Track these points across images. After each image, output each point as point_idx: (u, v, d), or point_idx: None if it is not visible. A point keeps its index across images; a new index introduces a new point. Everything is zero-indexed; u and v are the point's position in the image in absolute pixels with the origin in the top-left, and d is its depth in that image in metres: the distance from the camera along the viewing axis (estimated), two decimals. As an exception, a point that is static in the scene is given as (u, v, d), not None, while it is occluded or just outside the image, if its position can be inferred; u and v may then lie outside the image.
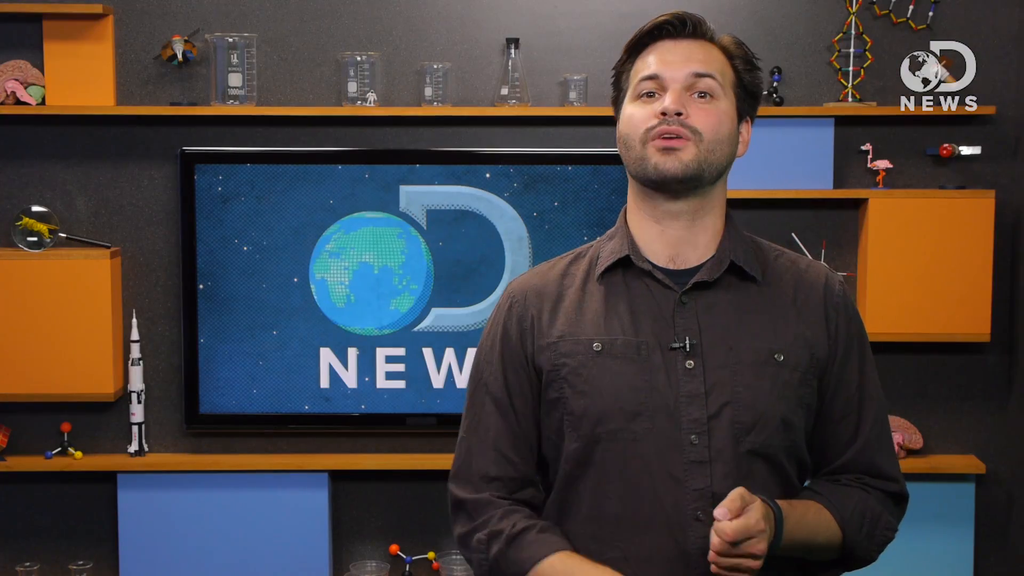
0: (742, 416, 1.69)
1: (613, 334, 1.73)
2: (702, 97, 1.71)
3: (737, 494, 1.59)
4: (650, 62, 1.73)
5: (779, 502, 1.67)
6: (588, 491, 1.73)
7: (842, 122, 3.73)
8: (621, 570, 1.69)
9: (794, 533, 1.68)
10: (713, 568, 1.59)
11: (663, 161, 1.68)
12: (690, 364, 1.70)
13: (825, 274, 1.81)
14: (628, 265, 1.76)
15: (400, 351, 3.74)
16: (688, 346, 1.70)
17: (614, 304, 1.75)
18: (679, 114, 1.68)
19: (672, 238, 1.75)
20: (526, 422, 1.79)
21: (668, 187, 1.71)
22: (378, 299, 3.72)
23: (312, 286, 3.71)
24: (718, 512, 1.58)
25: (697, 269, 1.74)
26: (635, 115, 1.72)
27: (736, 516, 1.57)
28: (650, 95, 1.71)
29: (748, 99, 1.77)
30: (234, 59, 3.64)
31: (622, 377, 1.70)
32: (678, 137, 1.68)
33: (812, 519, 1.72)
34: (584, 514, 1.74)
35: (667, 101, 1.69)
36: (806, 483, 1.82)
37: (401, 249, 3.71)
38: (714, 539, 1.58)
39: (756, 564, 1.58)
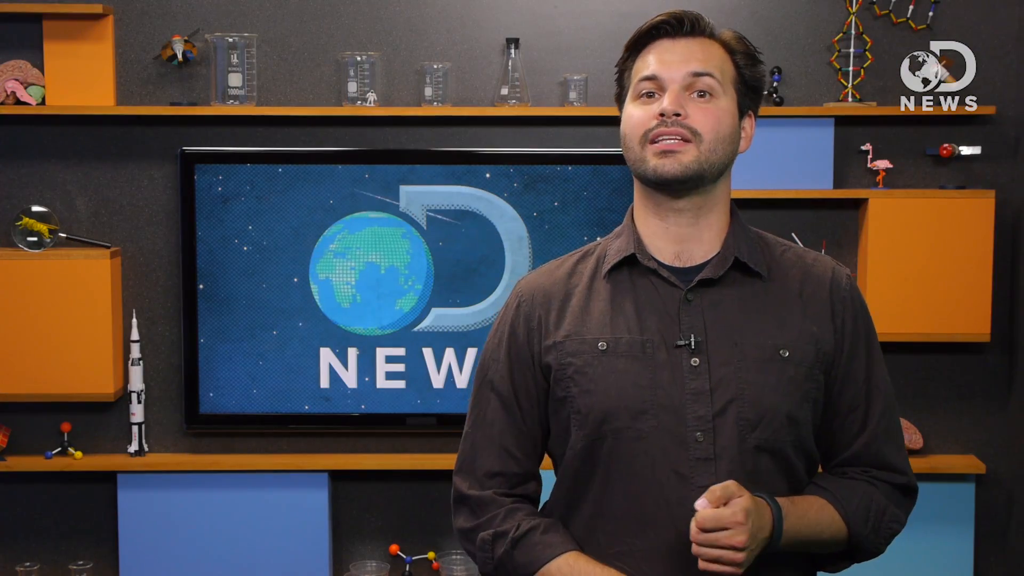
0: (747, 413, 1.70)
1: (618, 333, 1.74)
2: (701, 96, 1.71)
3: (721, 486, 1.60)
4: (649, 62, 1.73)
5: (780, 499, 1.68)
6: (595, 487, 1.75)
7: (842, 122, 3.73)
8: (626, 564, 1.70)
9: (796, 530, 1.68)
10: (701, 564, 1.60)
11: (661, 164, 1.69)
12: (695, 362, 1.71)
13: (832, 268, 1.81)
14: (634, 263, 1.77)
15: (400, 351, 3.74)
16: (693, 343, 1.71)
17: (620, 302, 1.76)
18: (677, 115, 1.68)
19: (676, 235, 1.75)
20: (530, 419, 1.81)
21: (668, 187, 1.72)
22: (384, 299, 3.72)
23: (316, 286, 3.71)
24: (699, 503, 1.59)
25: (702, 266, 1.75)
26: (635, 115, 1.73)
27: (717, 506, 1.59)
28: (650, 95, 1.72)
29: (750, 94, 1.77)
30: (234, 59, 3.64)
31: (627, 375, 1.71)
32: (678, 139, 1.68)
33: (815, 515, 1.72)
34: (590, 510, 1.76)
35: (665, 102, 1.69)
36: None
37: (407, 249, 3.71)
38: (692, 527, 1.59)
39: (737, 556, 1.59)
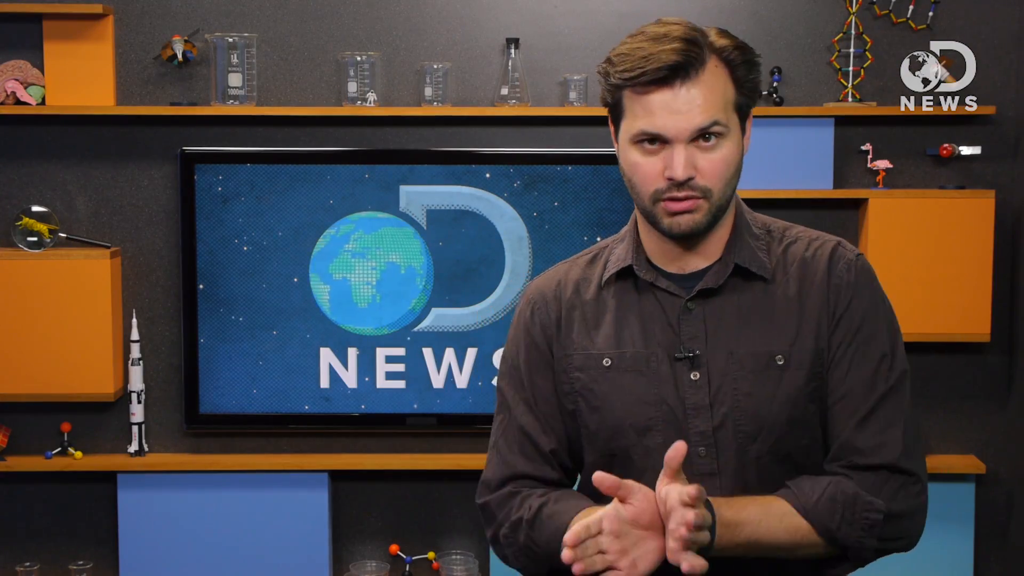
0: (745, 426, 1.68)
1: (623, 347, 1.72)
2: (707, 140, 1.64)
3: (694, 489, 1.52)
4: (650, 112, 1.63)
5: (716, 500, 1.60)
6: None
7: (842, 122, 3.73)
8: None
9: (732, 531, 1.59)
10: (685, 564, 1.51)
11: (676, 223, 1.66)
12: (695, 376, 1.69)
13: (829, 253, 1.74)
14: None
15: (400, 351, 3.74)
16: (693, 356, 1.69)
17: (625, 315, 1.74)
18: (691, 178, 1.64)
19: (680, 252, 1.73)
20: (555, 422, 1.78)
21: (683, 239, 1.70)
22: (397, 298, 3.72)
23: (328, 286, 3.71)
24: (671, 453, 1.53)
25: (704, 271, 1.73)
26: (640, 166, 1.66)
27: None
28: (652, 142, 1.65)
29: (748, 102, 1.70)
30: (234, 59, 3.64)
31: (632, 392, 1.70)
32: (689, 199, 1.64)
33: (756, 513, 1.62)
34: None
35: (676, 169, 1.62)
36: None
37: (419, 250, 3.70)
38: (679, 525, 1.50)
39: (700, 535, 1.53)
